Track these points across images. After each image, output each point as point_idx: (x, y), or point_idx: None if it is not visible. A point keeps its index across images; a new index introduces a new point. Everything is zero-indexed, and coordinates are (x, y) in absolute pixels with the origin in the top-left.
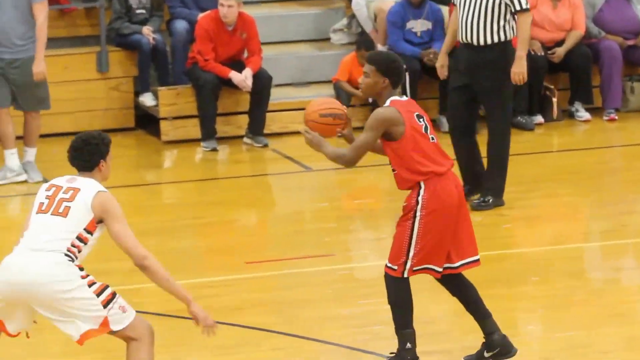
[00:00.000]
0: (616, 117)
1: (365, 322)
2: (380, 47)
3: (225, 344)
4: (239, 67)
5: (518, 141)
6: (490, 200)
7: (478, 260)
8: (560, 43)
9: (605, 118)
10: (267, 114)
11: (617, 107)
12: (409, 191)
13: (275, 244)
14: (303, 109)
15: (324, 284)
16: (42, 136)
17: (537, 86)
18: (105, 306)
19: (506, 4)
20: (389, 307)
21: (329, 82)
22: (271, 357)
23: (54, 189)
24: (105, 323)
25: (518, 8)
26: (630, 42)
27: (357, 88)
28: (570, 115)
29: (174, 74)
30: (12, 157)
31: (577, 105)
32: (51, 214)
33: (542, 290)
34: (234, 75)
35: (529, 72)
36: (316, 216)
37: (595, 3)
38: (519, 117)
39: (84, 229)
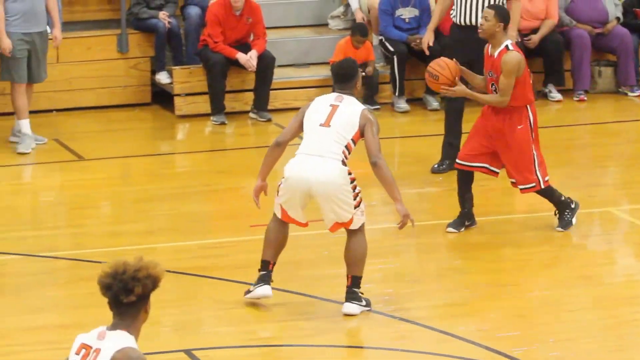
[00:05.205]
0: (585, 98)
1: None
2: (374, 36)
3: (229, 299)
4: (246, 49)
5: None
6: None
7: None
8: (535, 31)
9: (575, 99)
10: (271, 92)
11: (586, 89)
12: None
13: None
14: (303, 87)
15: (318, 246)
16: (67, 109)
17: None
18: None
19: None
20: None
21: (327, 63)
22: (269, 313)
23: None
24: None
25: None
26: (598, 31)
27: None
28: (544, 96)
29: (187, 54)
30: (29, 126)
31: (550, 87)
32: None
33: (518, 254)
34: (240, 56)
35: None
36: None
37: None
38: None
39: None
